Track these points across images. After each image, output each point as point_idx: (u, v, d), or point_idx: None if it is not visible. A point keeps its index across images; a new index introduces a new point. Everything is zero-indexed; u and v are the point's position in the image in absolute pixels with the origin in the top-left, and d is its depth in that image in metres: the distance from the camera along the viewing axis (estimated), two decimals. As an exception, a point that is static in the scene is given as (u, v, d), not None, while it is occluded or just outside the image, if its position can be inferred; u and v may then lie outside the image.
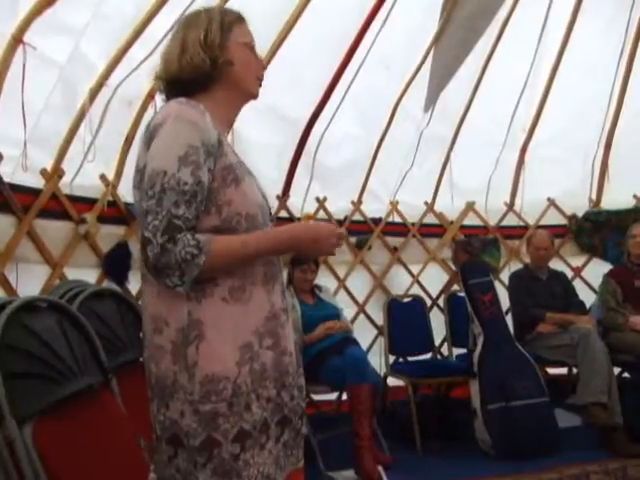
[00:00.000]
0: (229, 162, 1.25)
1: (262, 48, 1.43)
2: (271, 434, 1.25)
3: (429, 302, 4.44)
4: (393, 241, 4.56)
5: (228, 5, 3.09)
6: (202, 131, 1.20)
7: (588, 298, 4.23)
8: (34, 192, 3.02)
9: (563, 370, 3.97)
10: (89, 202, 3.28)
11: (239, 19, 1.37)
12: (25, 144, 2.81)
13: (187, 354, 1.19)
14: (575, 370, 3.62)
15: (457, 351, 4.08)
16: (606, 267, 4.27)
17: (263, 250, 1.24)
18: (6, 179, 2.81)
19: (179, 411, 1.19)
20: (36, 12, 2.60)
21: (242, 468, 1.19)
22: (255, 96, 1.41)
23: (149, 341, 1.25)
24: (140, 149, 1.27)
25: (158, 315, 1.23)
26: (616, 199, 4.77)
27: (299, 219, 4.20)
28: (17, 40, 2.61)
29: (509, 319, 3.80)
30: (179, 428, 1.19)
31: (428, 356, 4.13)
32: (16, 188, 2.89)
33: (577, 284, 4.43)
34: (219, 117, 1.31)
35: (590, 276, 4.65)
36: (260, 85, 1.40)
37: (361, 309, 4.37)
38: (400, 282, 4.55)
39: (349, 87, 3.96)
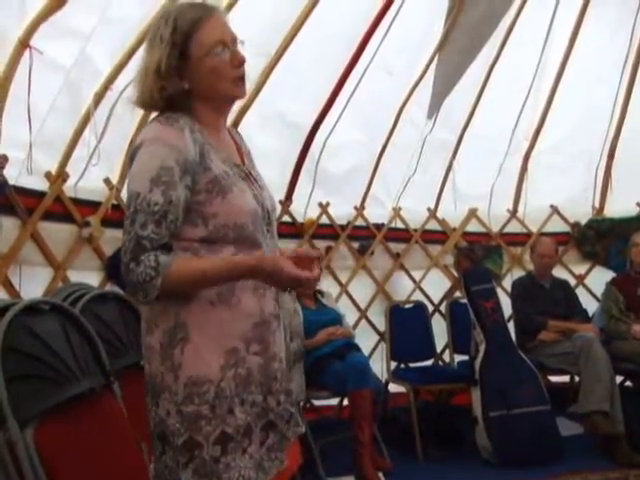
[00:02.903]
0: (214, 175, 1.25)
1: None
2: (254, 438, 1.26)
3: (431, 308, 4.44)
4: (395, 247, 4.56)
5: (233, 12, 3.11)
6: (178, 151, 1.21)
7: (591, 306, 4.22)
8: (38, 195, 3.03)
9: (565, 378, 3.97)
10: (93, 205, 3.30)
11: (199, 19, 1.26)
12: (30, 147, 2.83)
13: (173, 355, 1.22)
14: (577, 378, 3.61)
15: (459, 358, 4.07)
16: (609, 275, 4.27)
17: (218, 280, 1.24)
18: (11, 182, 2.83)
19: (166, 410, 1.22)
20: (43, 17, 2.62)
21: (223, 471, 1.21)
22: (239, 96, 1.34)
23: (142, 341, 1.30)
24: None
25: (150, 316, 1.27)
26: (619, 207, 4.77)
27: (302, 224, 4.21)
28: (24, 44, 2.63)
29: (511, 326, 3.79)
30: (166, 426, 1.23)
31: (430, 362, 4.12)
32: (21, 191, 2.91)
33: (580, 292, 4.41)
34: (207, 123, 1.31)
35: (593, 284, 4.64)
36: (241, 83, 1.31)
37: (363, 315, 4.37)
38: (402, 288, 4.55)
39: (353, 93, 3.97)
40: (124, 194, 3.40)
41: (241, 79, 1.31)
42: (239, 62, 1.29)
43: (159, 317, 1.24)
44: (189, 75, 1.27)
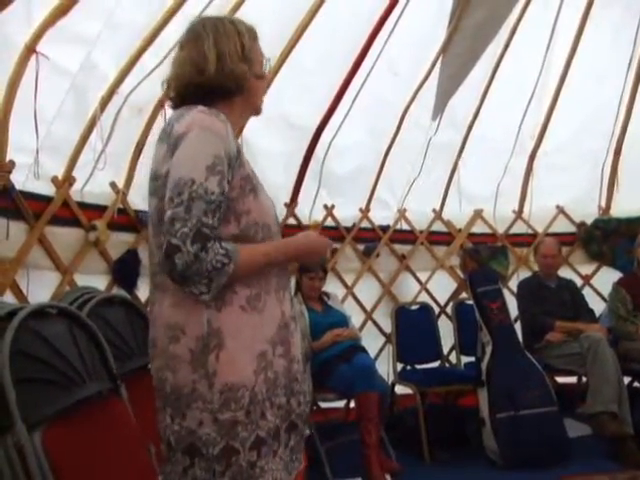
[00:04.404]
0: (247, 172, 1.27)
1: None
2: (281, 440, 1.27)
3: (437, 310, 4.43)
4: (401, 249, 4.56)
5: (239, 14, 3.13)
6: (225, 142, 1.21)
7: (598, 306, 4.20)
8: (45, 199, 3.05)
9: (572, 379, 3.94)
10: (99, 209, 3.31)
11: (255, 33, 1.40)
12: (37, 152, 2.85)
13: (207, 363, 1.18)
14: (585, 379, 3.59)
15: (465, 359, 4.06)
16: (616, 275, 4.24)
17: (278, 261, 1.29)
18: (18, 186, 2.85)
19: (197, 420, 1.19)
20: (49, 22, 2.64)
21: (258, 475, 1.21)
22: (259, 112, 1.44)
23: (163, 350, 1.24)
24: (158, 156, 1.27)
25: (174, 324, 1.22)
26: (626, 207, 4.74)
27: (307, 226, 4.21)
28: (30, 50, 2.65)
29: (518, 327, 3.78)
30: (197, 437, 1.19)
31: (436, 364, 4.11)
32: (28, 195, 2.93)
33: (586, 292, 4.39)
34: (234, 126, 1.33)
35: (599, 284, 4.62)
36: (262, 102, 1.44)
37: (369, 316, 4.37)
38: (408, 290, 4.55)
39: (357, 95, 3.97)
40: (130, 198, 3.42)
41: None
42: (268, 83, 1.46)
43: (187, 324, 1.20)
44: (253, 68, 1.35)
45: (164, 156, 1.25)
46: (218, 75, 1.29)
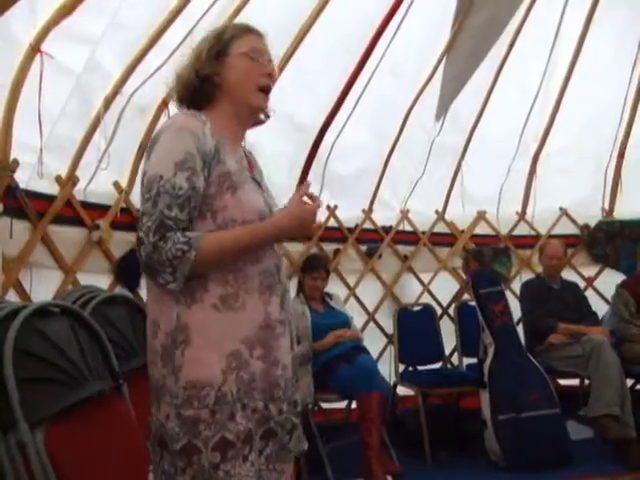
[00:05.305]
0: (227, 169, 1.27)
1: (274, 57, 1.44)
2: (255, 446, 1.24)
3: (439, 311, 4.42)
4: (404, 249, 4.56)
5: (240, 16, 3.14)
6: (199, 140, 1.24)
7: (601, 309, 4.19)
8: (49, 198, 3.06)
9: (575, 381, 3.93)
10: (102, 209, 3.32)
11: (245, 31, 1.38)
12: (41, 151, 2.86)
13: (174, 357, 1.21)
14: (587, 381, 3.58)
15: (467, 360, 4.05)
16: (619, 277, 4.24)
17: (255, 243, 1.26)
18: (22, 185, 2.86)
19: (166, 413, 1.22)
20: (54, 22, 2.65)
21: (222, 478, 1.18)
22: (256, 107, 1.38)
23: (148, 345, 1.29)
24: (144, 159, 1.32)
25: (153, 319, 1.26)
26: (629, 209, 4.73)
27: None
28: (35, 49, 2.66)
29: (520, 329, 3.77)
30: (165, 431, 1.22)
31: (438, 365, 4.10)
32: (31, 194, 2.94)
33: (589, 294, 4.39)
34: (227, 129, 1.34)
35: (603, 286, 4.60)
36: (264, 95, 1.37)
37: (371, 317, 4.36)
38: (410, 291, 4.54)
39: (361, 96, 3.97)
40: (133, 197, 3.43)
41: (265, 90, 1.37)
42: (268, 72, 1.36)
43: (161, 319, 1.24)
44: (224, 71, 1.34)
45: (145, 158, 1.31)
46: (193, 80, 1.35)
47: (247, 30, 1.39)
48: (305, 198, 1.32)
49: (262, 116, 1.44)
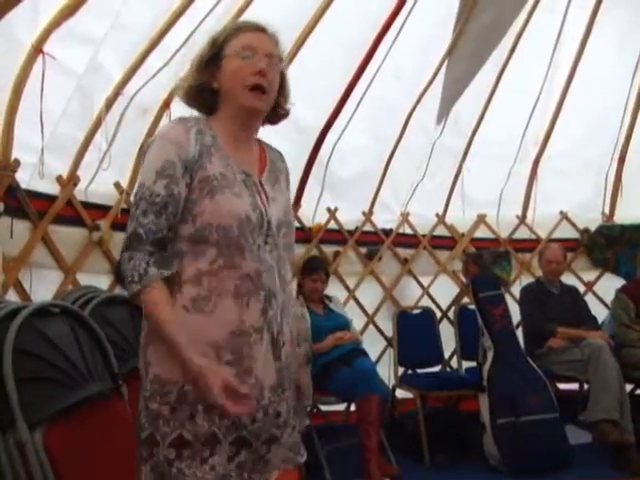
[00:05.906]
0: (207, 174, 1.28)
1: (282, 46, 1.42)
2: (220, 450, 1.23)
3: (439, 314, 4.42)
4: (404, 252, 4.56)
5: (244, 16, 3.14)
6: (180, 147, 1.28)
7: (600, 313, 4.19)
8: (50, 198, 3.06)
9: (574, 386, 3.93)
10: (103, 209, 3.32)
11: (237, 30, 1.36)
12: (42, 151, 2.86)
13: (147, 353, 1.28)
14: (586, 386, 3.58)
15: (467, 364, 4.05)
16: (619, 282, 4.24)
17: (168, 344, 1.22)
18: (23, 185, 2.86)
19: (140, 404, 1.28)
20: (56, 23, 2.65)
21: (176, 475, 1.21)
22: (253, 106, 1.33)
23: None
24: None
25: (144, 316, 1.32)
26: (629, 213, 4.73)
27: (310, 229, 4.21)
28: (37, 50, 2.67)
29: (520, 333, 3.77)
30: (138, 420, 1.28)
31: (437, 368, 4.10)
32: (32, 194, 2.94)
33: (589, 299, 4.38)
34: (227, 134, 1.35)
35: (602, 291, 4.61)
36: (255, 94, 1.31)
37: (370, 320, 4.36)
38: (410, 294, 4.54)
39: (362, 98, 3.98)
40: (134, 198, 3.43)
41: (257, 88, 1.31)
42: (258, 70, 1.30)
43: (145, 318, 1.31)
44: (219, 75, 1.34)
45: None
46: (190, 90, 1.37)
47: (240, 28, 1.37)
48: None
49: (281, 112, 1.48)
